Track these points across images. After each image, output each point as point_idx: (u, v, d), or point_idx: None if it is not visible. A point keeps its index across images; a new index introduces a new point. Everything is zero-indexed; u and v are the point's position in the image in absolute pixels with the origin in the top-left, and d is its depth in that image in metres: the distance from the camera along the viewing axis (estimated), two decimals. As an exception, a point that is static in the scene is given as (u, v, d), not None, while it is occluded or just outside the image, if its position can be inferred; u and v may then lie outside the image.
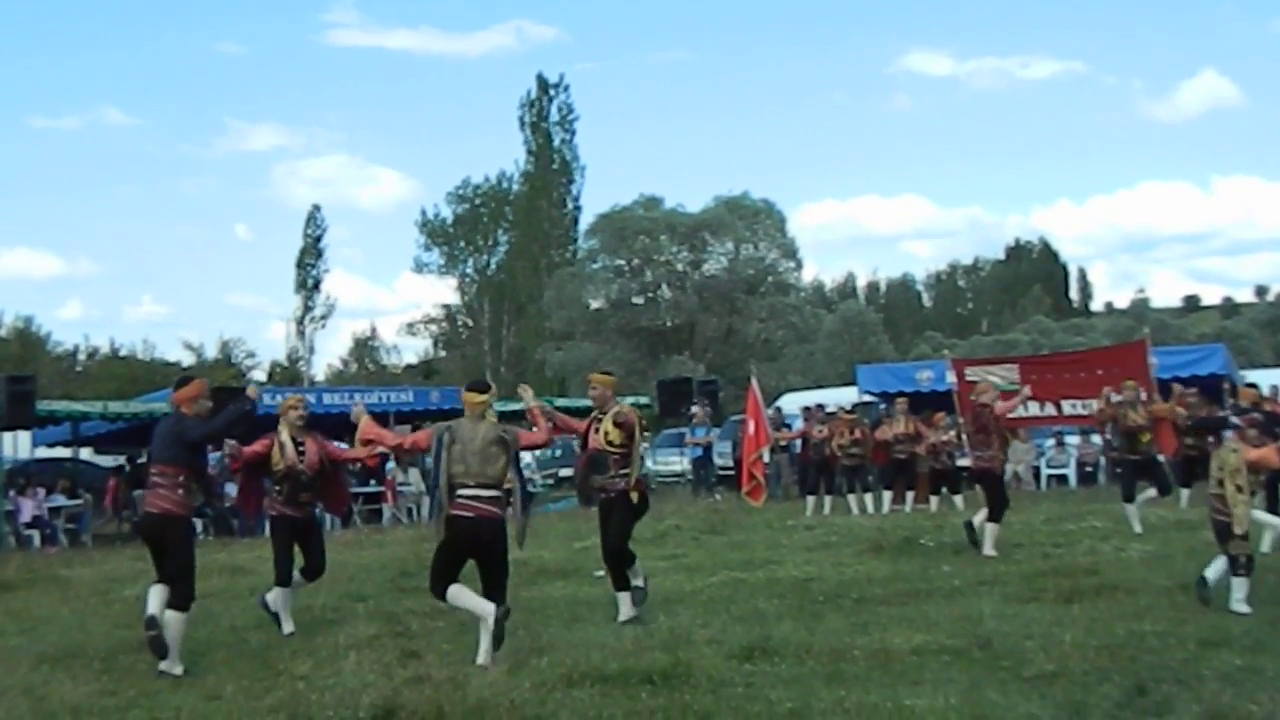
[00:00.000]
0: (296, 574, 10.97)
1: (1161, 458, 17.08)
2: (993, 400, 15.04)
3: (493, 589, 9.12)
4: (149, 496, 9.42)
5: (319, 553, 11.08)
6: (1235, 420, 11.95)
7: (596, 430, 10.80)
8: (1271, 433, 14.23)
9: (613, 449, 10.67)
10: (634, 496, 10.63)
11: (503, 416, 11.50)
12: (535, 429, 9.83)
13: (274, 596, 10.86)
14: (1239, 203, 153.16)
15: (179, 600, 9.12)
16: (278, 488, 10.95)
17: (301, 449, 10.94)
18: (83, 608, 13.23)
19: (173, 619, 9.06)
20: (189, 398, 9.58)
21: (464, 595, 9.04)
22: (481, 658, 8.80)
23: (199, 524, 23.19)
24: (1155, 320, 62.69)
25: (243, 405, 9.94)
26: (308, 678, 8.46)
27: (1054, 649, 8.34)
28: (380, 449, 11.16)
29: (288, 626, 10.75)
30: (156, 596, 9.13)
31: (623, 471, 10.65)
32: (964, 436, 21.23)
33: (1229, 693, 6.87)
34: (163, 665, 8.97)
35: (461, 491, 9.00)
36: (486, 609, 8.84)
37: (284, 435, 10.98)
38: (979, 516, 14.56)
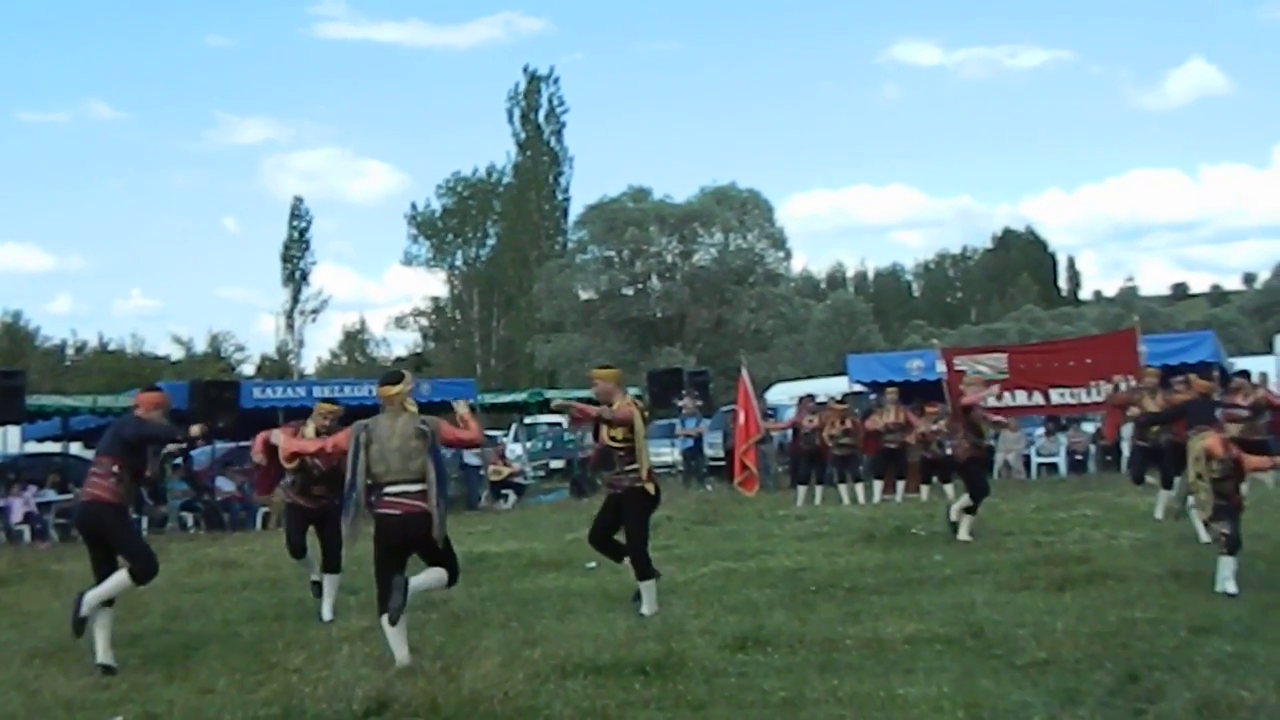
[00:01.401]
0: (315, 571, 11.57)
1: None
2: (973, 394, 15.20)
3: (435, 564, 9.06)
4: (84, 486, 9.64)
5: (334, 547, 11.26)
6: (1217, 414, 12.03)
7: (602, 426, 10.72)
8: (1253, 424, 14.35)
9: (615, 444, 10.60)
10: (649, 489, 10.59)
11: (493, 408, 11.56)
12: (465, 428, 9.66)
13: (318, 577, 11.51)
14: (1227, 191, 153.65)
15: (139, 575, 9.31)
16: (291, 479, 11.35)
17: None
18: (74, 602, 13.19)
19: (120, 579, 9.30)
20: (151, 404, 9.72)
21: (393, 633, 8.67)
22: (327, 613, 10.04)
23: (189, 518, 23.26)
24: (1144, 308, 62.77)
25: (183, 439, 10.19)
26: (301, 670, 8.44)
27: (1046, 637, 8.35)
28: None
29: (327, 613, 11.18)
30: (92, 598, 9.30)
31: (629, 468, 10.58)
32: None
33: (1221, 679, 6.88)
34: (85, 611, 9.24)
35: (387, 490, 8.83)
36: (403, 658, 8.52)
37: (309, 430, 11.35)
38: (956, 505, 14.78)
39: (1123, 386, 16.89)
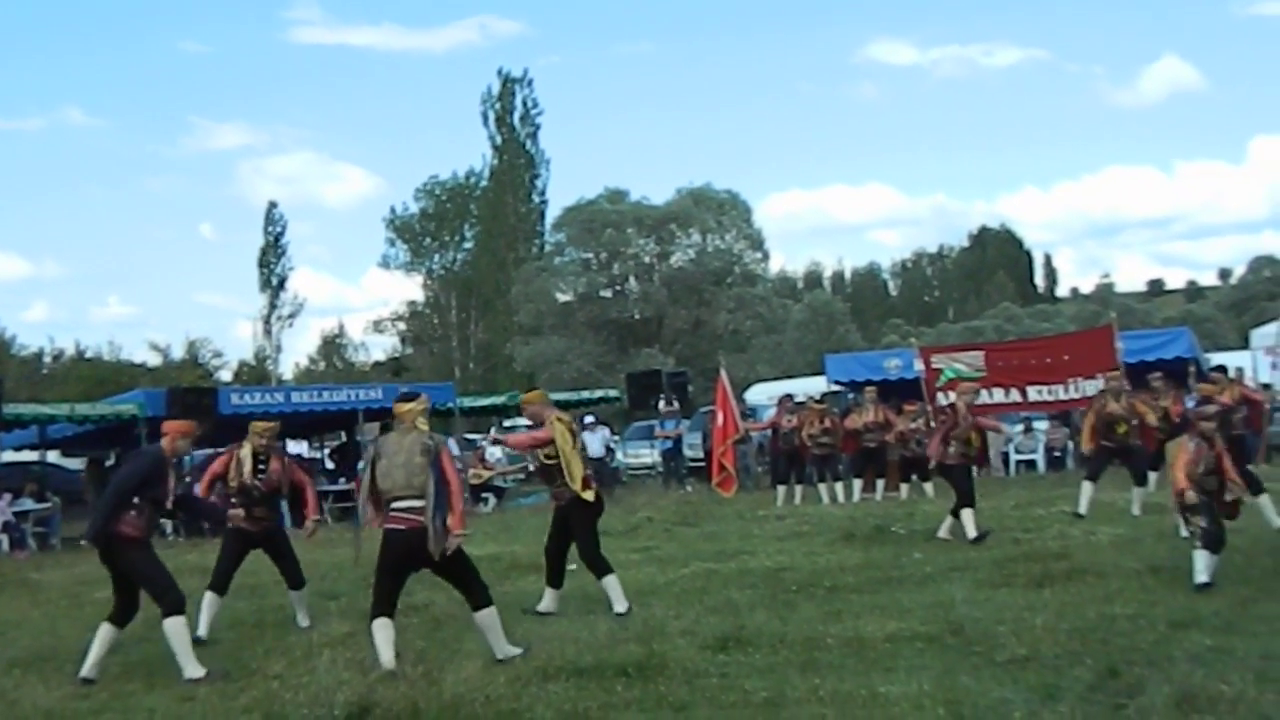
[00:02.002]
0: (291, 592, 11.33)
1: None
2: (965, 406, 15.12)
3: (470, 592, 9.05)
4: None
5: (290, 563, 11.24)
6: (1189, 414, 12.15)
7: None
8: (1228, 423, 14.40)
9: (549, 461, 10.83)
10: (588, 496, 10.72)
11: (473, 411, 11.61)
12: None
13: (206, 599, 10.97)
14: (1202, 187, 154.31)
15: (168, 607, 9.05)
16: (233, 500, 11.09)
17: (263, 468, 11.14)
18: (53, 611, 13.17)
19: (170, 626, 9.00)
20: (179, 432, 9.62)
21: (381, 637, 8.76)
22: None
23: (168, 525, 23.14)
24: (1120, 305, 63.02)
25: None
26: (282, 677, 8.44)
27: (1025, 633, 8.38)
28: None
29: (202, 630, 10.64)
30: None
31: (564, 481, 10.75)
32: (932, 424, 21.38)
33: (1200, 674, 6.91)
34: (186, 673, 8.90)
35: (394, 505, 8.85)
36: (388, 660, 8.58)
37: (244, 452, 11.14)
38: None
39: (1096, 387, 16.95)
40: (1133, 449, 16.32)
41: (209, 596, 10.99)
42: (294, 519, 14.85)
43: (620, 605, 10.59)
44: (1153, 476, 18.78)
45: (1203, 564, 9.99)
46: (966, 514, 14.26)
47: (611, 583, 10.79)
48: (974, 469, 15.41)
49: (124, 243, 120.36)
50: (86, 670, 9.06)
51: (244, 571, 15.33)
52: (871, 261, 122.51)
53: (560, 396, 34.12)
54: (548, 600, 11.21)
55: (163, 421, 10.03)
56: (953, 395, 21.16)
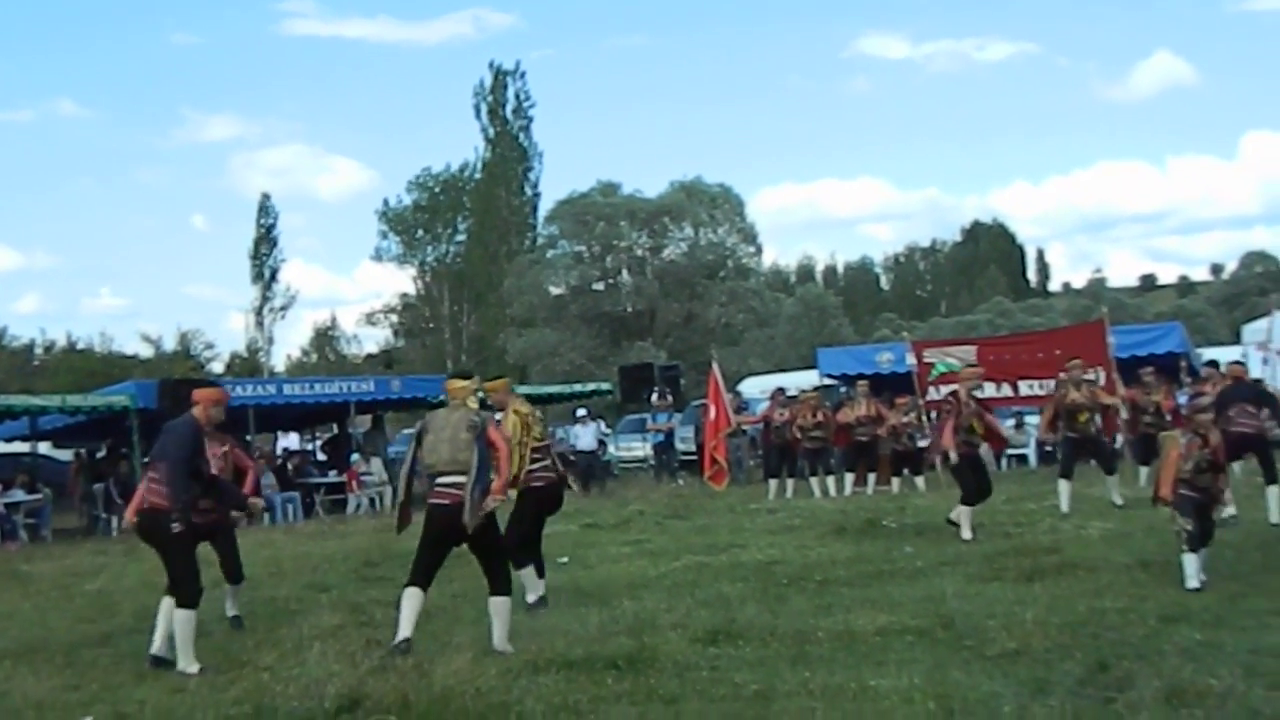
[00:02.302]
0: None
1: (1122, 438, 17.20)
2: (966, 394, 14.86)
3: (494, 576, 9.10)
4: (142, 492, 9.33)
5: (232, 556, 10.80)
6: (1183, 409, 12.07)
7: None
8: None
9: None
10: (510, 495, 10.51)
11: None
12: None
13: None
14: (1194, 182, 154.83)
15: (183, 598, 8.97)
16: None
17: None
18: (44, 603, 13.14)
19: (179, 617, 8.92)
20: (210, 400, 9.54)
21: (407, 607, 8.91)
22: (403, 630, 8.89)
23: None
24: (1112, 299, 62.80)
25: (230, 500, 10.12)
26: (272, 668, 8.42)
27: (1016, 627, 8.39)
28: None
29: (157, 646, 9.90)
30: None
31: (533, 467, 10.82)
32: (924, 418, 21.41)
33: (1189, 668, 6.93)
34: (180, 665, 8.84)
35: (438, 480, 8.99)
36: (405, 632, 8.76)
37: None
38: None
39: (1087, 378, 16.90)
40: (1096, 439, 16.29)
41: (230, 589, 10.79)
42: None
43: (532, 595, 10.85)
44: (1144, 471, 18.87)
45: (1192, 569, 9.93)
46: (964, 511, 14.18)
47: (525, 574, 10.87)
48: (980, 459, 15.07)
49: (116, 234, 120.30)
50: (156, 648, 9.04)
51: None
52: (864, 255, 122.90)
53: (552, 389, 34.19)
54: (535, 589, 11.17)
55: (196, 391, 9.72)
56: (947, 387, 21.33)
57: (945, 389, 21.25)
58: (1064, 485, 15.59)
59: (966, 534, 13.87)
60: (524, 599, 10.67)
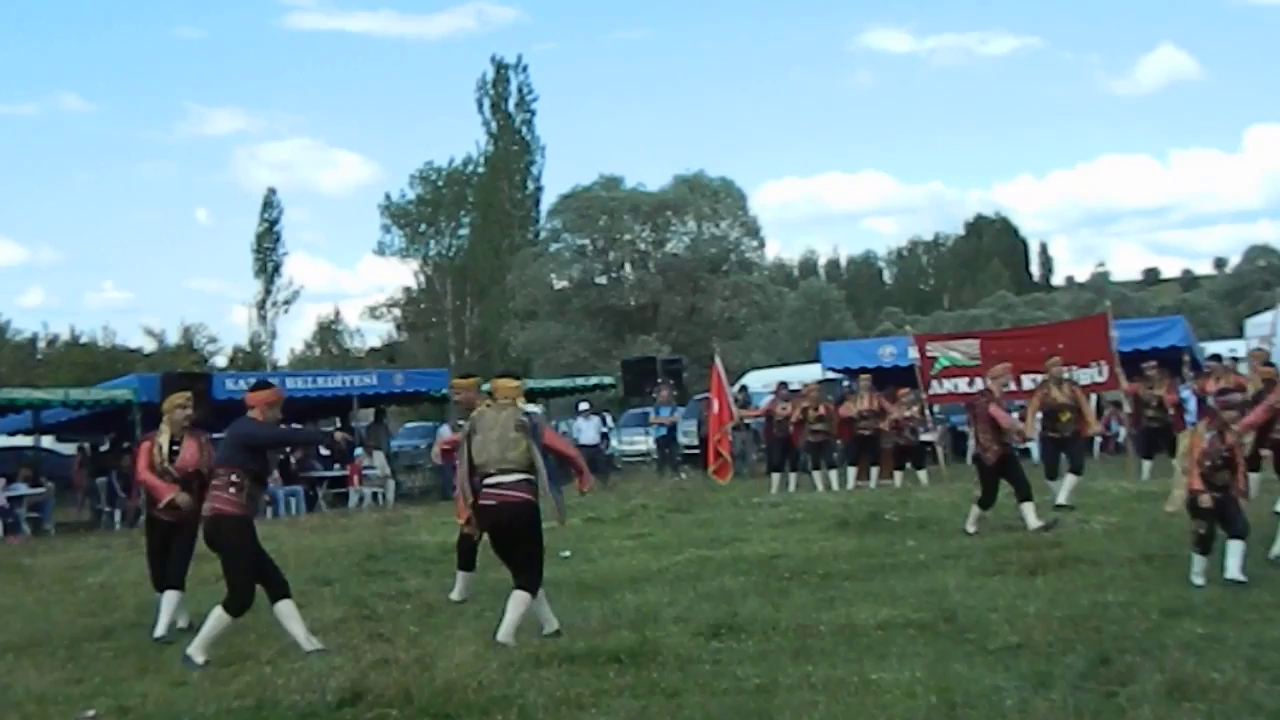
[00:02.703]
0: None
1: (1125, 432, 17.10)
2: (999, 391, 14.63)
3: (523, 572, 9.09)
4: (206, 500, 9.28)
5: (179, 562, 10.39)
6: (1211, 401, 11.75)
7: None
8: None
9: None
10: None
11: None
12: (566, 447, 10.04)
13: (165, 598, 10.32)
14: (1198, 176, 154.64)
15: (233, 607, 8.90)
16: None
17: (176, 450, 10.33)
18: (47, 596, 13.15)
19: (219, 617, 8.88)
20: (265, 402, 9.39)
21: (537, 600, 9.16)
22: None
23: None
24: (1116, 293, 62.96)
25: (323, 437, 10.05)
26: (274, 662, 8.43)
27: (1018, 621, 8.39)
28: None
29: (160, 630, 10.09)
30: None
31: None
32: (927, 412, 21.40)
33: (1191, 661, 6.92)
34: (190, 650, 8.83)
35: (486, 480, 8.98)
36: (551, 624, 9.14)
37: (163, 437, 10.41)
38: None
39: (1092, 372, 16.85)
40: (1072, 439, 16.06)
41: (168, 595, 10.30)
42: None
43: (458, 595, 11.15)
44: (1147, 465, 18.88)
45: (1199, 566, 9.86)
46: (1027, 507, 13.89)
47: (465, 577, 11.21)
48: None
49: (119, 228, 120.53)
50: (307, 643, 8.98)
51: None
52: (867, 249, 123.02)
53: (555, 383, 34.22)
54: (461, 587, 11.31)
55: (249, 394, 9.60)
56: (949, 381, 21.32)
57: (949, 383, 21.32)
58: (1055, 486, 15.51)
59: (971, 527, 13.83)
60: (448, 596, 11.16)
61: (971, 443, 16.69)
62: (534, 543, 9.12)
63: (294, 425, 10.71)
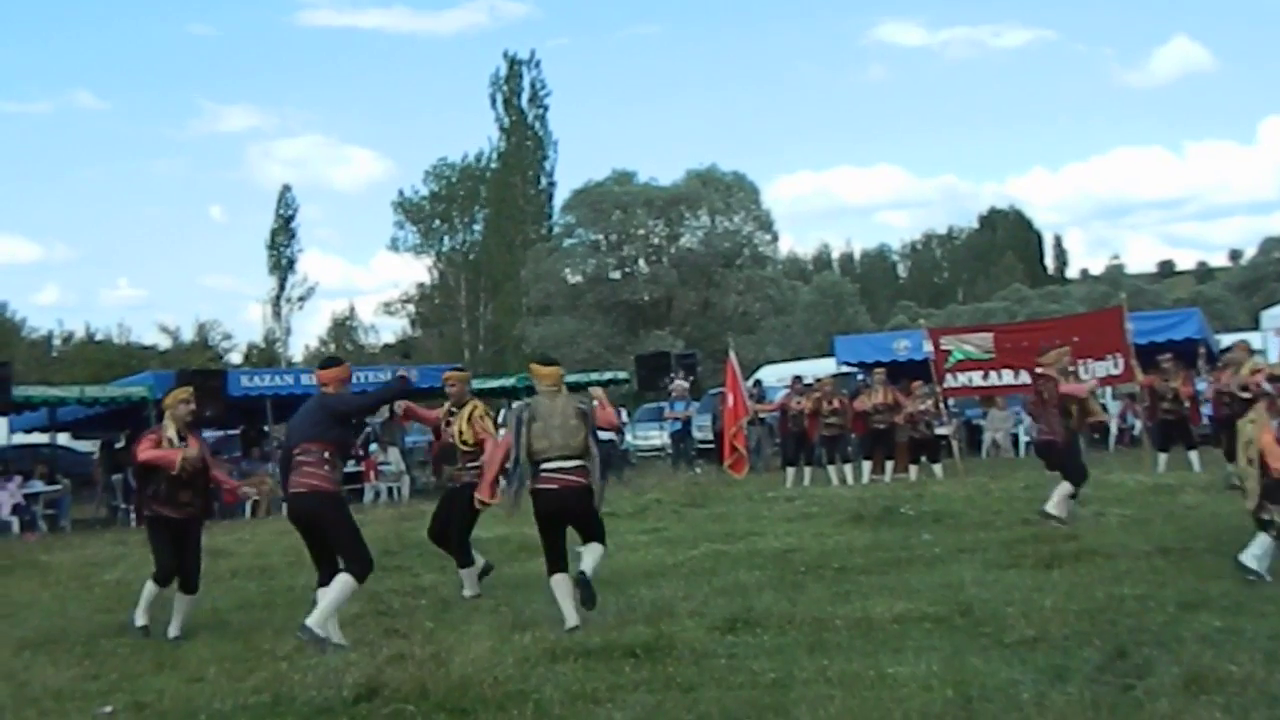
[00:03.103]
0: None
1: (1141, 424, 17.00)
2: (1059, 374, 14.40)
3: (591, 537, 9.47)
4: (294, 477, 9.25)
5: (194, 563, 10.34)
6: (1269, 388, 11.40)
7: (450, 424, 11.44)
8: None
9: (465, 446, 11.25)
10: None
11: (483, 393, 11.71)
12: (604, 409, 10.02)
13: (146, 590, 10.22)
14: (1212, 168, 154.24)
15: (357, 570, 9.06)
16: (154, 488, 10.13)
17: (183, 444, 10.17)
18: (63, 593, 13.20)
19: (344, 582, 8.97)
20: (337, 379, 9.61)
21: (561, 593, 9.24)
22: (569, 616, 9.13)
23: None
24: (1130, 286, 62.81)
25: (398, 384, 10.16)
26: (290, 658, 8.45)
27: (1034, 614, 8.36)
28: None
29: (141, 620, 10.07)
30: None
31: (470, 465, 11.14)
32: (941, 405, 21.37)
33: (1209, 654, 6.89)
34: (315, 622, 8.84)
35: (545, 465, 9.19)
36: (572, 617, 9.10)
37: (170, 431, 10.19)
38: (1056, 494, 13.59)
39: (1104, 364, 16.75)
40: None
41: (150, 587, 10.23)
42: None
43: (471, 591, 11.21)
44: (1163, 457, 18.84)
45: (1261, 550, 9.53)
46: (1065, 501, 13.52)
47: (467, 573, 11.28)
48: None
49: (133, 225, 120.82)
50: (335, 638, 9.00)
51: (254, 553, 15.49)
52: (881, 243, 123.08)
53: (570, 378, 34.07)
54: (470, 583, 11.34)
55: (321, 373, 9.80)
56: (964, 375, 21.26)
57: (963, 376, 21.27)
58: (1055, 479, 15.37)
59: (1061, 513, 13.31)
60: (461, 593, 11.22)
61: (1033, 431, 16.41)
62: (594, 518, 9.44)
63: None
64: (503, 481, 9.51)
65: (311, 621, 8.85)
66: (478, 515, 11.21)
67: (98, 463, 27.43)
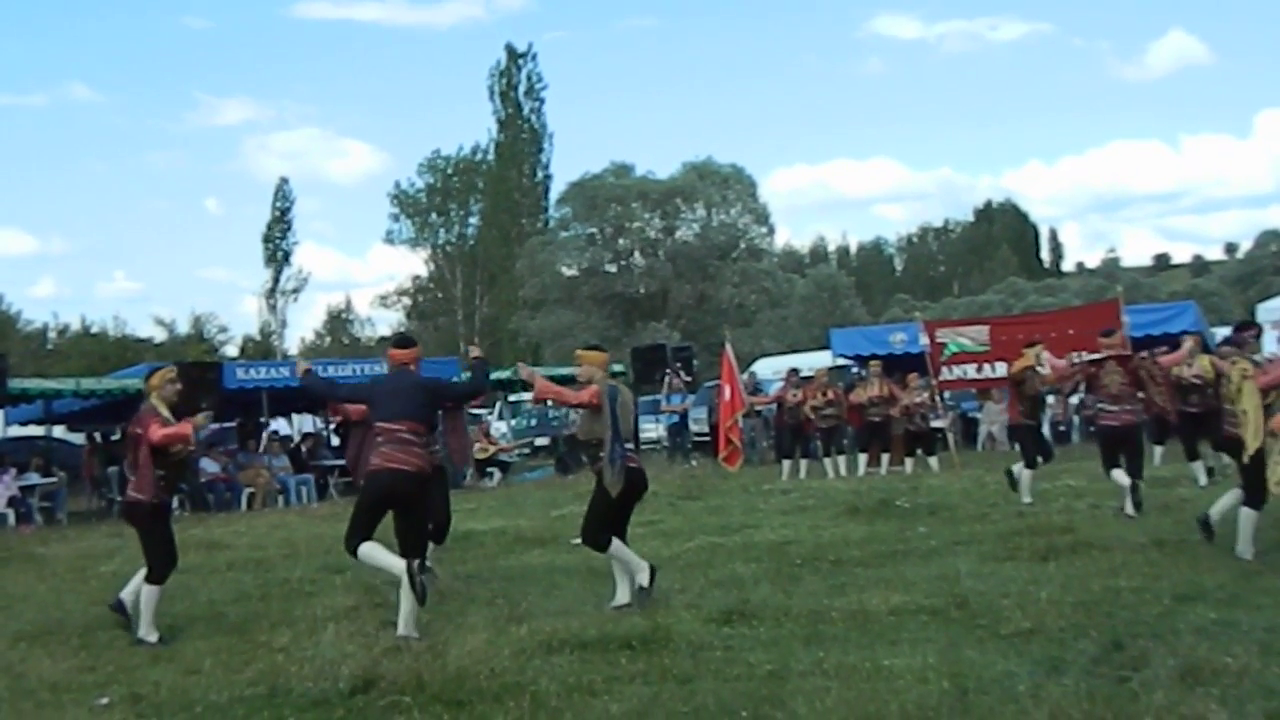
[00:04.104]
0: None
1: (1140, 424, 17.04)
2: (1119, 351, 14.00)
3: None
4: (393, 451, 9.14)
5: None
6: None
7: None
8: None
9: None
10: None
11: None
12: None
13: (152, 598, 9.67)
14: (1208, 161, 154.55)
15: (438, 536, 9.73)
16: (161, 474, 9.67)
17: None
18: (60, 585, 13.18)
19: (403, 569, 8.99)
20: (416, 358, 9.86)
21: (619, 569, 9.69)
22: (621, 597, 9.52)
23: (175, 500, 23.19)
24: (1126, 279, 62.71)
25: (486, 366, 10.42)
26: (287, 650, 8.44)
27: (1030, 607, 8.37)
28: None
29: (152, 636, 9.52)
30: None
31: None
32: (937, 398, 21.39)
33: (1204, 646, 6.90)
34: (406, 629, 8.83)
35: (628, 445, 9.62)
36: (641, 569, 9.62)
37: (164, 412, 9.74)
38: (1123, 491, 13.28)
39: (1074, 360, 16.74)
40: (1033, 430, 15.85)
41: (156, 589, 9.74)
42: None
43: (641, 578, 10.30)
44: (1158, 450, 18.84)
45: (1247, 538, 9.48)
46: (1118, 474, 13.40)
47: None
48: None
49: (129, 218, 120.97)
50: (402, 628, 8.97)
51: (250, 545, 15.49)
52: (877, 236, 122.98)
53: (565, 371, 34.15)
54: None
55: (398, 352, 9.86)
56: (959, 367, 21.27)
57: (959, 369, 21.29)
58: (1028, 475, 15.33)
59: (1130, 511, 13.07)
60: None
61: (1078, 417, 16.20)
62: None
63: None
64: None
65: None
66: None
67: (87, 455, 27.37)
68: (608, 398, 9.49)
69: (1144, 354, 15.39)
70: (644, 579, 9.51)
